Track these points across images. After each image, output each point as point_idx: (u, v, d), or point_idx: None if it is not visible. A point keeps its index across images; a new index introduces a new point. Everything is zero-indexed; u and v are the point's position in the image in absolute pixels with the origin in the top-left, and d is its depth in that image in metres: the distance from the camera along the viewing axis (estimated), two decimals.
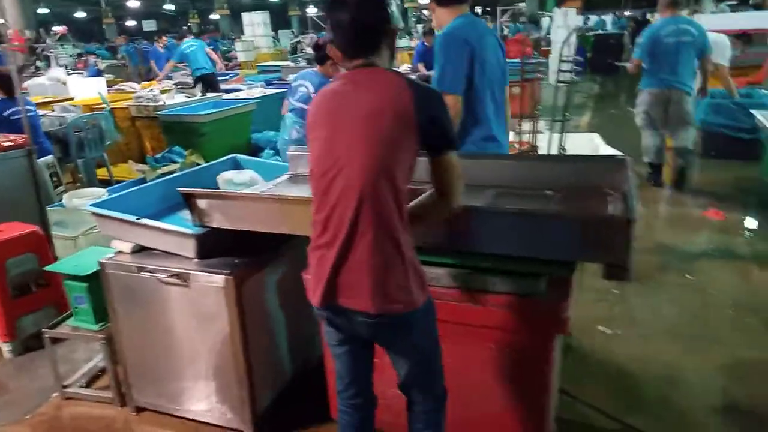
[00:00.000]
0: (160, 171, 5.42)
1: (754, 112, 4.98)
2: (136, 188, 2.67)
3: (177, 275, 2.01)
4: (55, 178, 5.27)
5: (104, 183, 5.69)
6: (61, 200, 3.89)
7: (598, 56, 14.57)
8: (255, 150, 6.23)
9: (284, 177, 2.57)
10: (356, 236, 1.45)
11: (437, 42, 2.53)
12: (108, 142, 6.06)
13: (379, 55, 1.51)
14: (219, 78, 8.83)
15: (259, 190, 2.38)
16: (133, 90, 7.28)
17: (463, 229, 1.75)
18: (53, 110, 5.99)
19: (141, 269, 2.07)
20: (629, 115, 9.21)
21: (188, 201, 2.01)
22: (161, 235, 2.08)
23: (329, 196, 1.50)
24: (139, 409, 2.31)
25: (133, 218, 2.09)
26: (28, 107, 4.90)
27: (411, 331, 1.56)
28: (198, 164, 5.71)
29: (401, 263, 1.46)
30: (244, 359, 2.03)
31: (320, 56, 3.83)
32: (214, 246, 2.09)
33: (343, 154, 1.46)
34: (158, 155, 5.70)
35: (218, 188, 2.72)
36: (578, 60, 5.20)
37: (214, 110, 6.04)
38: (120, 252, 2.19)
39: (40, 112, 5.83)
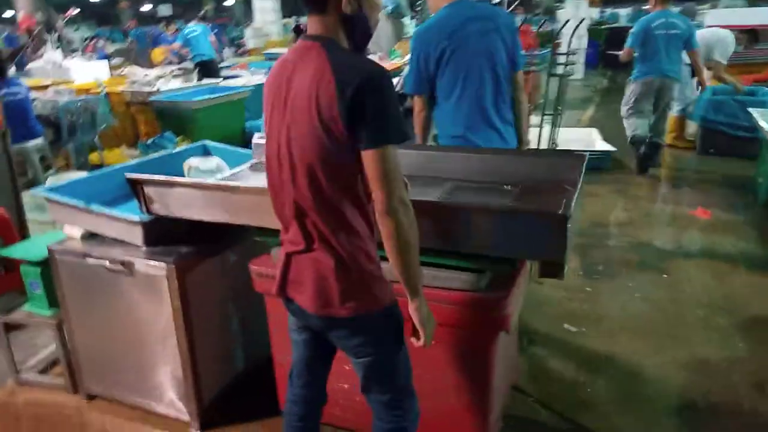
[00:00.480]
0: (150, 156, 5.44)
1: (751, 110, 4.87)
2: (97, 173, 2.68)
3: (121, 263, 2.00)
4: (46, 162, 5.34)
5: (97, 168, 5.73)
6: None
7: (611, 50, 14.31)
8: (249, 137, 6.22)
9: (246, 165, 2.55)
10: (302, 236, 1.41)
11: None
12: (102, 127, 6.09)
13: (326, 26, 1.35)
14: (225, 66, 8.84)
15: (216, 178, 2.37)
16: (141, 74, 7.28)
17: None
18: (47, 93, 6.00)
19: (86, 256, 2.07)
20: None
21: (134, 188, 1.99)
22: (109, 221, 2.08)
23: (274, 187, 1.46)
24: (91, 397, 2.32)
25: (80, 204, 2.08)
26: (16, 90, 4.95)
27: (357, 335, 1.46)
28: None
29: (347, 270, 1.38)
30: (188, 350, 2.02)
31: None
32: (164, 234, 2.08)
33: (278, 143, 1.38)
34: (149, 141, 5.70)
35: (184, 175, 2.73)
36: (573, 52, 5.07)
37: (207, 96, 6.04)
38: (70, 238, 2.19)
39: (36, 94, 5.87)
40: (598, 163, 5.68)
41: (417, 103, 2.56)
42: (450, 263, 1.72)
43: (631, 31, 5.34)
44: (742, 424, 2.17)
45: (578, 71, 11.97)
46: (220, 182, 2.04)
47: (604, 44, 14.64)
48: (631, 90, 5.36)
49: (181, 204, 1.98)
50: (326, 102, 1.27)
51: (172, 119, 5.87)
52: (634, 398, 2.29)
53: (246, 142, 4.22)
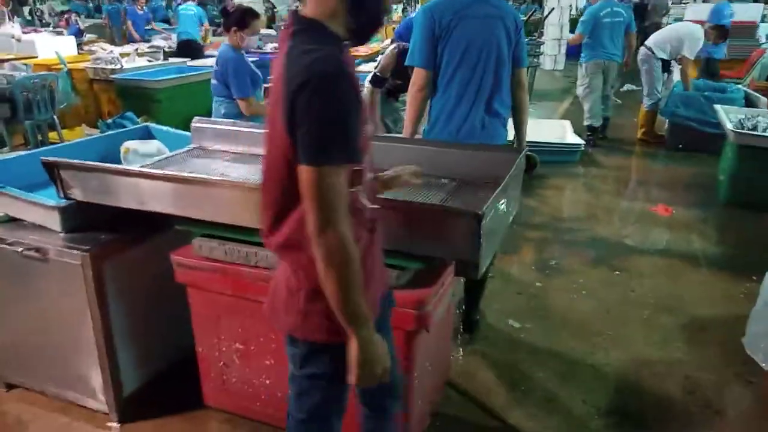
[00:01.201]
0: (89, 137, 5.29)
1: (716, 106, 4.86)
2: (29, 152, 2.57)
3: (36, 249, 1.92)
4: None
5: None
6: None
7: None
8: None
9: (184, 150, 2.47)
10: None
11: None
12: (62, 105, 5.91)
13: (322, 7, 1.16)
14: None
15: (145, 163, 2.28)
16: (105, 51, 7.09)
17: None
18: (4, 68, 5.81)
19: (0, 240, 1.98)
20: (609, 103, 9.08)
21: (50, 171, 1.90)
22: (27, 206, 1.98)
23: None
24: (10, 386, 2.24)
25: None
26: None
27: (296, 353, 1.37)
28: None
29: (295, 293, 1.26)
30: (105, 342, 1.95)
31: (226, 24, 3.53)
32: (85, 220, 2.00)
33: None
34: (110, 120, 5.55)
35: (121, 158, 2.63)
36: (540, 43, 5.02)
37: (173, 76, 5.88)
38: None
39: None
40: (567, 157, 5.66)
41: (420, 78, 2.47)
42: None
43: (582, 19, 6.08)
44: (671, 429, 2.16)
45: (559, 62, 11.94)
46: (137, 168, 1.95)
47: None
48: (584, 71, 6.11)
49: (99, 190, 1.89)
50: (282, 101, 1.10)
51: (134, 99, 5.72)
52: (566, 399, 2.26)
53: None
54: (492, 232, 1.59)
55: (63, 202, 1.94)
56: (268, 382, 1.95)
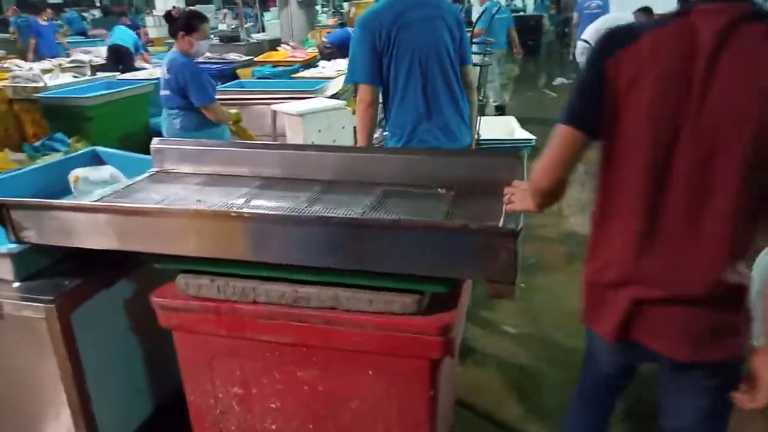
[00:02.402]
0: (40, 161, 4.84)
1: None
2: None
3: None
4: None
5: None
6: None
7: (520, 37, 14.65)
8: (154, 135, 5.72)
9: (145, 175, 2.21)
10: None
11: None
12: None
13: None
14: None
15: (110, 190, 2.02)
16: (20, 68, 6.50)
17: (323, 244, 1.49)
18: None
19: None
20: (545, 97, 9.32)
21: None
22: None
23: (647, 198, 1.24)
24: None
25: None
26: None
27: None
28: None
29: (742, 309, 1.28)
30: (79, 402, 1.69)
31: (172, 30, 3.34)
32: (43, 265, 1.74)
33: (671, 144, 1.18)
34: (37, 143, 5.07)
35: (69, 187, 2.34)
36: (489, 41, 5.03)
37: (104, 92, 5.46)
38: None
39: None
40: (518, 150, 5.71)
41: (366, 95, 2.41)
42: (380, 284, 1.52)
43: (478, 18, 6.77)
44: None
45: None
46: (104, 203, 1.71)
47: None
48: (494, 61, 7.29)
49: (60, 230, 1.64)
50: None
51: (63, 118, 5.25)
52: None
53: (149, 141, 3.80)
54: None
55: (15, 248, 1.67)
56: (274, 427, 1.75)
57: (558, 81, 10.64)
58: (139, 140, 5.35)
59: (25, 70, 5.78)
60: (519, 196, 1.50)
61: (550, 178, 1.29)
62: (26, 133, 5.71)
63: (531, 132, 5.83)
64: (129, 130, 5.55)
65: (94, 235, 1.61)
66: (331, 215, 1.50)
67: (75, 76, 6.18)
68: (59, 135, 5.08)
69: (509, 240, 1.30)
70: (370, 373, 1.59)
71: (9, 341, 1.68)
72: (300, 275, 1.57)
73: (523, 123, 6.21)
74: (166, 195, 1.98)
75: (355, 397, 1.64)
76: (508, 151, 2.00)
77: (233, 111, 3.64)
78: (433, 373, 1.57)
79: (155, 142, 2.27)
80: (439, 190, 1.97)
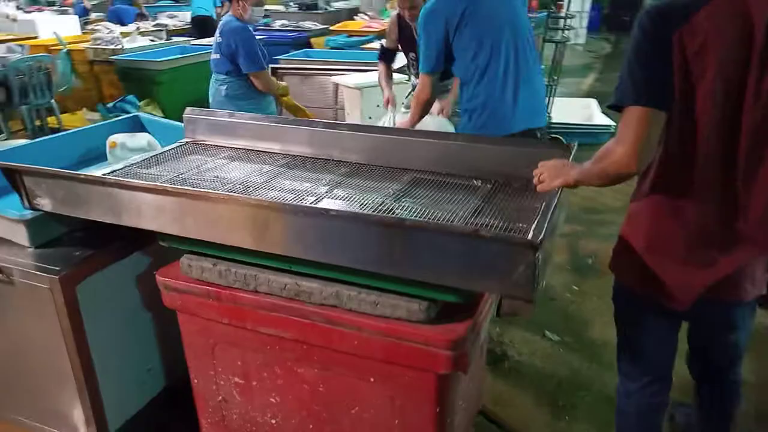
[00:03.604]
0: (117, 118, 5.01)
1: None
2: (11, 147, 2.29)
3: None
4: None
5: (56, 132, 5.31)
6: None
7: (615, 12, 13.70)
8: None
9: (175, 145, 2.16)
10: None
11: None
12: (61, 88, 5.62)
13: None
14: None
15: (132, 159, 1.98)
16: (106, 30, 6.76)
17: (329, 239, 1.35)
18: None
19: None
20: None
21: (10, 178, 1.61)
22: None
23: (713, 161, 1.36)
24: None
25: None
26: None
27: None
28: (154, 115, 5.31)
29: None
30: (84, 375, 1.67)
31: None
32: (61, 233, 1.72)
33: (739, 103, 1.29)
34: (110, 104, 5.26)
35: (107, 152, 2.34)
36: (571, 16, 4.62)
37: (175, 57, 5.56)
38: None
39: None
40: (594, 139, 5.28)
41: (427, 84, 2.39)
42: (386, 286, 1.37)
43: None
44: None
45: (580, 36, 11.42)
46: (111, 177, 1.65)
47: (608, 7, 13.99)
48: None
49: (68, 200, 1.60)
50: None
51: (135, 81, 5.41)
52: None
53: None
54: (548, 255, 1.28)
55: (29, 214, 1.65)
56: (273, 422, 1.67)
57: None
58: (205, 105, 5.43)
59: (107, 32, 5.97)
60: (551, 173, 1.46)
61: (640, 162, 1.27)
62: (104, 94, 5.95)
63: (613, 119, 5.38)
64: (198, 96, 5.61)
65: (99, 208, 1.56)
66: (328, 208, 1.35)
67: (152, 40, 6.34)
68: (131, 97, 5.24)
69: (528, 252, 1.10)
70: (372, 380, 1.46)
71: (18, 308, 1.68)
72: (304, 268, 1.44)
73: (603, 108, 5.74)
74: (188, 168, 1.91)
75: (356, 403, 1.51)
76: (552, 141, 1.76)
77: (282, 84, 3.54)
78: (441, 389, 1.40)
79: (188, 112, 2.20)
80: (474, 181, 1.77)
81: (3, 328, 1.76)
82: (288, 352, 1.53)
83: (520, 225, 1.46)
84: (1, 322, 1.75)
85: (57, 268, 1.58)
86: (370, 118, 4.18)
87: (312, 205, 1.53)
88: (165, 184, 1.52)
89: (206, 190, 1.44)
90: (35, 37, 6.91)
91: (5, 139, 4.76)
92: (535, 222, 1.44)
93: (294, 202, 1.58)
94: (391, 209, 1.55)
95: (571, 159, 1.62)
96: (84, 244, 1.70)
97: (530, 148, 1.78)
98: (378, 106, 4.08)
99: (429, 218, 1.50)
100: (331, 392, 1.53)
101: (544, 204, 1.56)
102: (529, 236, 1.26)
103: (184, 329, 1.67)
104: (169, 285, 1.60)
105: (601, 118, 5.49)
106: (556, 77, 4.49)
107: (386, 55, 3.43)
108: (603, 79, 8.62)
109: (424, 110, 2.50)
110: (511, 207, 1.59)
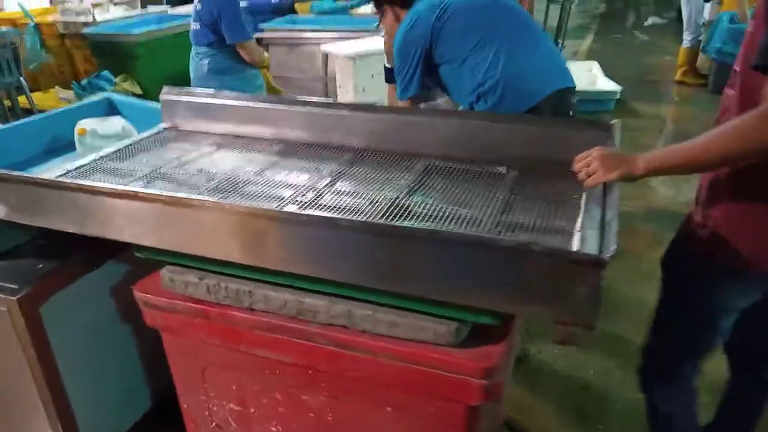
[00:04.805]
0: (87, 100, 4.69)
1: None
2: None
3: None
4: None
5: (28, 113, 4.97)
6: None
7: None
8: None
9: (152, 132, 1.90)
10: None
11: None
12: (31, 65, 5.27)
13: None
14: None
15: (104, 148, 1.72)
16: (74, 1, 6.34)
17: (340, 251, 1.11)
18: None
19: None
20: (634, 40, 8.33)
21: None
22: None
23: None
24: None
25: None
26: None
27: None
28: (131, 93, 4.98)
29: None
30: (54, 404, 1.45)
31: None
32: (17, 242, 1.48)
33: None
34: (84, 81, 4.92)
35: (75, 140, 2.08)
36: None
37: (152, 28, 5.19)
38: None
39: None
40: (599, 105, 5.04)
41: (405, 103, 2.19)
42: (406, 305, 1.15)
43: None
44: None
45: None
46: (72, 181, 1.40)
47: None
48: None
49: (25, 207, 1.35)
50: None
51: (111, 55, 5.05)
52: None
53: None
54: None
55: None
56: None
57: (650, 21, 9.51)
58: (188, 81, 5.11)
59: (76, 3, 5.57)
60: (604, 162, 1.23)
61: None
62: (77, 70, 5.59)
63: (617, 82, 5.12)
64: (178, 70, 5.26)
65: (58, 215, 1.32)
66: (337, 217, 1.12)
67: (126, 10, 5.95)
68: (105, 73, 4.90)
69: (593, 271, 0.88)
70: (389, 410, 1.25)
71: None
72: (308, 283, 1.21)
73: (607, 71, 5.48)
74: (166, 160, 1.66)
75: None
76: (586, 119, 1.52)
77: (266, 55, 3.26)
78: (470, 420, 1.20)
79: (165, 93, 1.93)
80: (498, 168, 1.54)
81: None
82: (290, 378, 1.32)
83: (561, 223, 1.24)
84: None
85: (15, 287, 1.34)
86: (363, 90, 3.92)
87: (315, 212, 1.30)
88: (137, 189, 1.27)
89: (187, 195, 1.19)
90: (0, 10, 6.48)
91: None
92: (579, 219, 1.22)
93: (292, 203, 1.35)
94: (407, 208, 1.33)
95: (616, 140, 1.40)
96: (46, 255, 1.46)
97: (560, 126, 1.55)
98: (372, 76, 3.81)
99: (452, 218, 1.28)
100: (340, 422, 1.32)
101: (584, 194, 1.34)
102: (591, 250, 1.03)
103: (170, 350, 1.45)
104: (149, 302, 1.37)
105: (605, 83, 5.24)
106: (561, 41, 4.21)
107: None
108: (600, 41, 8.32)
109: None
110: (545, 199, 1.36)
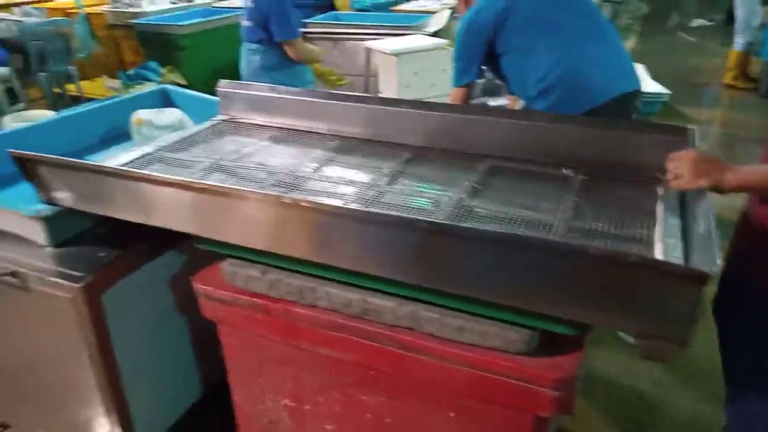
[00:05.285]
0: (133, 90, 4.77)
1: None
2: (28, 125, 2.05)
3: (12, 274, 1.41)
4: (12, 95, 4.69)
5: (75, 101, 5.08)
6: None
7: None
8: None
9: (209, 124, 1.90)
10: None
11: None
12: (81, 54, 5.37)
13: None
14: None
15: (162, 138, 1.73)
16: None
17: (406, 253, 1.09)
18: (15, 13, 5.27)
19: None
20: (680, 41, 8.09)
21: (24, 169, 1.37)
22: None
23: None
24: (5, 426, 1.81)
25: None
26: None
27: None
28: (177, 84, 5.04)
29: None
30: (110, 388, 1.46)
31: None
32: (81, 229, 1.49)
33: None
34: (131, 71, 5.01)
35: (131, 130, 2.09)
36: None
37: (199, 20, 5.25)
38: None
39: (2, 15, 5.14)
40: (645, 108, 4.90)
41: (458, 98, 2.18)
42: (475, 310, 1.12)
43: None
44: None
45: None
46: (138, 170, 1.40)
47: None
48: None
49: (89, 195, 1.36)
50: None
51: (157, 46, 5.13)
52: None
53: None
54: None
55: (46, 210, 1.42)
56: None
57: (696, 22, 9.22)
58: (232, 73, 5.15)
59: None
60: (693, 167, 1.16)
61: None
62: (124, 60, 5.69)
63: (663, 84, 4.97)
64: (222, 63, 5.32)
65: (125, 204, 1.32)
66: (412, 218, 1.08)
67: (173, 2, 6.02)
68: (152, 64, 4.97)
69: (694, 285, 0.83)
70: (452, 415, 1.22)
71: (34, 317, 1.47)
72: (373, 282, 1.19)
73: (652, 73, 5.32)
74: (226, 152, 1.66)
75: None
76: (661, 124, 1.45)
77: (317, 49, 3.24)
78: (538, 431, 1.16)
79: (222, 85, 1.94)
80: (564, 170, 1.49)
81: (18, 337, 1.56)
82: (349, 376, 1.30)
83: (638, 231, 1.19)
84: (16, 330, 1.54)
85: (79, 274, 1.35)
86: (407, 87, 3.88)
87: (380, 211, 1.27)
88: (204, 181, 1.27)
89: (255, 191, 1.18)
90: (51, 0, 6.64)
91: (24, 109, 4.54)
92: (658, 227, 1.17)
93: (356, 200, 1.33)
94: (471, 210, 1.30)
95: (694, 146, 1.34)
96: (109, 243, 1.47)
97: (631, 130, 1.49)
98: (416, 73, 3.77)
99: (521, 221, 1.24)
100: (399, 424, 1.30)
101: (659, 201, 1.29)
102: (676, 260, 0.99)
103: (227, 343, 1.44)
104: (209, 294, 1.37)
105: (653, 85, 5.08)
106: None
107: None
108: (645, 42, 8.10)
109: None
110: (617, 205, 1.31)
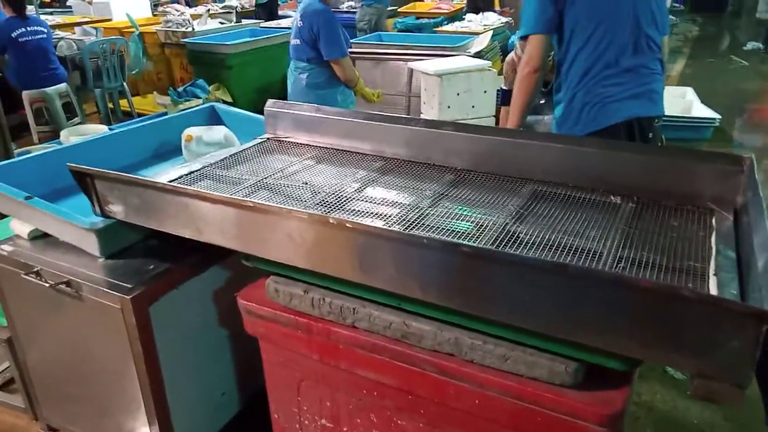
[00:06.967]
0: (182, 106, 4.93)
1: None
2: (86, 140, 2.14)
3: (66, 283, 1.46)
4: (69, 110, 4.91)
5: (127, 116, 5.29)
6: None
7: None
8: None
9: (255, 142, 1.95)
10: None
11: None
12: (133, 71, 5.61)
13: None
14: None
15: (210, 155, 1.77)
16: (176, 12, 6.72)
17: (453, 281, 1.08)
18: (74, 33, 5.54)
19: (26, 267, 1.54)
20: (731, 65, 7.88)
21: (82, 183, 1.43)
22: (57, 222, 1.53)
23: None
24: (52, 429, 1.87)
25: (19, 197, 1.54)
26: (36, 29, 4.47)
27: None
28: (223, 101, 5.19)
29: None
30: (153, 396, 1.49)
31: None
32: (132, 242, 1.54)
33: None
34: (180, 88, 5.18)
35: (182, 146, 2.16)
36: None
37: (245, 40, 5.42)
38: (17, 236, 1.67)
39: (63, 34, 5.42)
40: (695, 133, 4.77)
41: (536, 50, 1.98)
42: (525, 339, 1.09)
43: None
44: None
45: None
46: (191, 188, 1.43)
47: None
48: None
49: (143, 209, 1.40)
50: None
51: (205, 65, 5.32)
52: None
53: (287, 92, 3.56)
54: None
55: (100, 222, 1.47)
56: None
57: (750, 45, 8.97)
58: (276, 90, 5.28)
59: (178, 15, 5.89)
60: None
61: None
62: (174, 78, 5.90)
63: (713, 109, 4.83)
64: (267, 81, 5.48)
65: (175, 219, 1.35)
66: (459, 242, 1.07)
67: (222, 23, 6.23)
68: (200, 81, 5.14)
69: (754, 325, 0.80)
70: None
71: (85, 324, 1.52)
72: (416, 306, 1.19)
73: (703, 97, 5.18)
74: (271, 171, 1.69)
75: None
76: (716, 153, 1.41)
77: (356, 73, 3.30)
78: None
79: (269, 105, 1.98)
80: (612, 197, 1.46)
81: (70, 344, 1.61)
82: (388, 400, 1.29)
83: (690, 263, 1.15)
84: (69, 337, 1.60)
85: (129, 286, 1.40)
86: (449, 107, 3.89)
87: (424, 234, 1.27)
88: (251, 200, 1.29)
89: (299, 210, 1.19)
90: (109, 20, 6.96)
91: (80, 123, 4.76)
92: (712, 261, 1.13)
93: (397, 223, 1.33)
94: (515, 235, 1.28)
95: (744, 180, 1.29)
96: (158, 256, 1.52)
97: (684, 158, 1.45)
98: (458, 94, 3.78)
99: (567, 249, 1.21)
100: None
101: (714, 232, 1.24)
102: (731, 296, 0.95)
103: (267, 359, 1.46)
104: (252, 310, 1.38)
105: (701, 110, 4.95)
106: None
107: (509, 99, 3.13)
108: (694, 65, 7.92)
109: (531, 87, 2.03)
110: (668, 235, 1.27)
